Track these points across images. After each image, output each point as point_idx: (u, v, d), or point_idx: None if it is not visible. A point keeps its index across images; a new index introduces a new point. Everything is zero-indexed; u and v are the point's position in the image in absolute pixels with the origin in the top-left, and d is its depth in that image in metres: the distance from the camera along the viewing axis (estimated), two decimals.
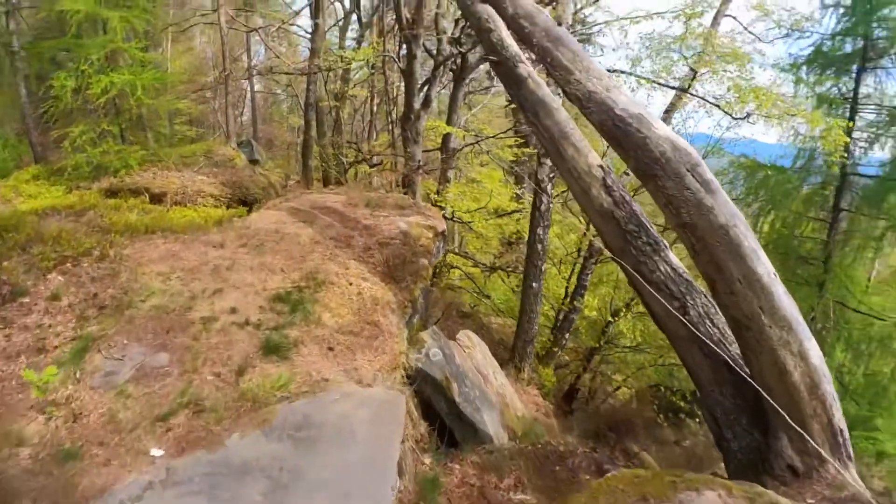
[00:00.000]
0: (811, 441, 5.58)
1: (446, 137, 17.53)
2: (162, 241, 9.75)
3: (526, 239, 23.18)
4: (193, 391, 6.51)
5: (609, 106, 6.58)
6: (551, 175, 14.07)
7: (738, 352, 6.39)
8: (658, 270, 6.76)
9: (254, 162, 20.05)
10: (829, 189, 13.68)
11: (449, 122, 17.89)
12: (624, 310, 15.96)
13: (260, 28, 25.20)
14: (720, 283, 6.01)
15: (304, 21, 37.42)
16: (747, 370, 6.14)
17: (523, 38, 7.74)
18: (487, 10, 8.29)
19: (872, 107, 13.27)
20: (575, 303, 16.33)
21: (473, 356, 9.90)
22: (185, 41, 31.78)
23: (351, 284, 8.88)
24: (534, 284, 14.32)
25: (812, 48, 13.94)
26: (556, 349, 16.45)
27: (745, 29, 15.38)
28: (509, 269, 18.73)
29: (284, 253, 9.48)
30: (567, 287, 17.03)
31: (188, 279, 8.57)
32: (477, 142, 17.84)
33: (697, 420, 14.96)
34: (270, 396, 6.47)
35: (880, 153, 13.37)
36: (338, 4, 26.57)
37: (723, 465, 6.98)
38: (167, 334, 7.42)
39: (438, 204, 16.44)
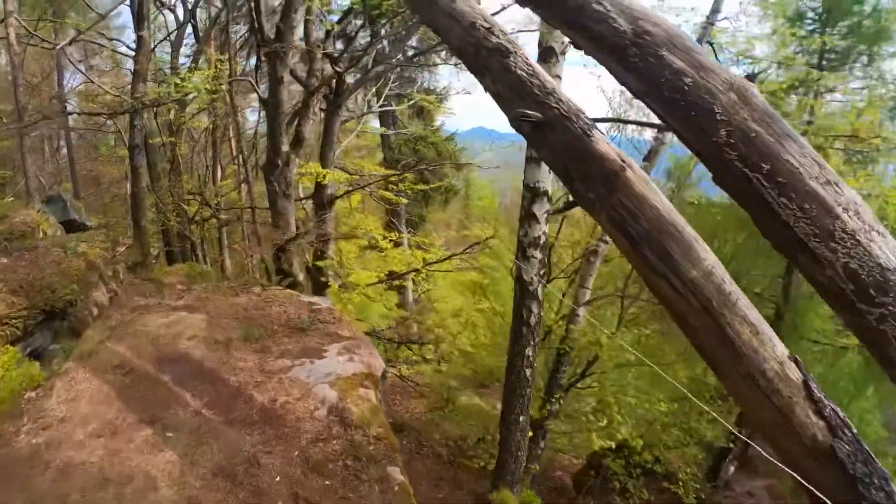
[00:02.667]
0: None
1: (320, 185, 13.00)
2: None
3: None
4: None
5: None
6: (542, 272, 9.85)
7: None
8: None
9: (69, 224, 14.67)
10: None
11: (323, 161, 13.39)
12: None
13: (68, 43, 19.10)
14: None
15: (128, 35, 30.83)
16: None
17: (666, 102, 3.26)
18: (482, 13, 3.95)
19: None
20: (551, 408, 12.66)
21: None
22: None
23: None
24: (520, 419, 10.12)
25: None
26: (534, 466, 12.41)
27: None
28: (422, 343, 14.43)
29: None
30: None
31: None
32: (363, 186, 13.44)
33: None
34: None
35: None
36: (168, 13, 20.85)
37: None
38: None
39: (321, 275, 11.98)
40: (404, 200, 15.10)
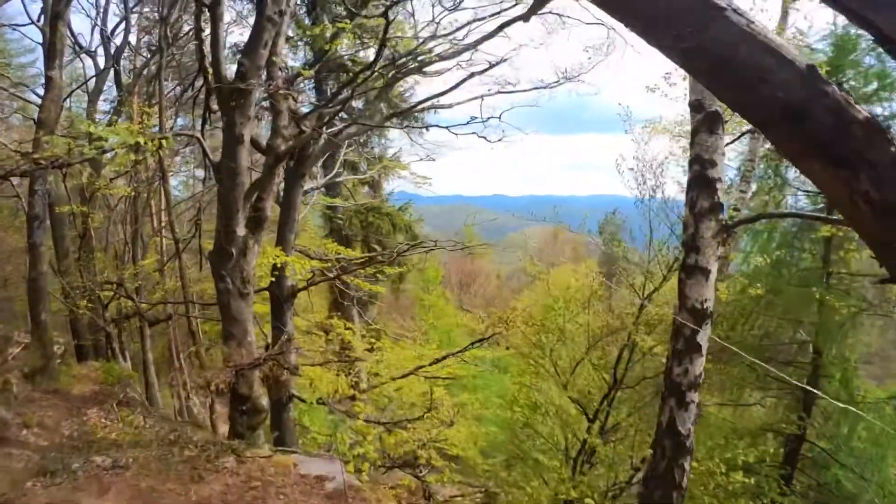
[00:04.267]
0: None
1: (281, 278, 9.92)
2: None
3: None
4: None
5: None
6: (698, 418, 7.21)
7: None
8: None
9: None
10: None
11: (283, 244, 10.33)
12: None
13: None
14: None
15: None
16: None
17: None
18: None
19: None
20: None
21: None
22: None
23: None
24: None
25: None
26: None
27: None
28: (415, 419, 11.42)
29: None
30: None
31: None
32: (334, 277, 10.43)
33: None
34: None
35: None
36: (87, 59, 17.49)
37: None
38: None
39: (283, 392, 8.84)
40: (381, 289, 12.18)
